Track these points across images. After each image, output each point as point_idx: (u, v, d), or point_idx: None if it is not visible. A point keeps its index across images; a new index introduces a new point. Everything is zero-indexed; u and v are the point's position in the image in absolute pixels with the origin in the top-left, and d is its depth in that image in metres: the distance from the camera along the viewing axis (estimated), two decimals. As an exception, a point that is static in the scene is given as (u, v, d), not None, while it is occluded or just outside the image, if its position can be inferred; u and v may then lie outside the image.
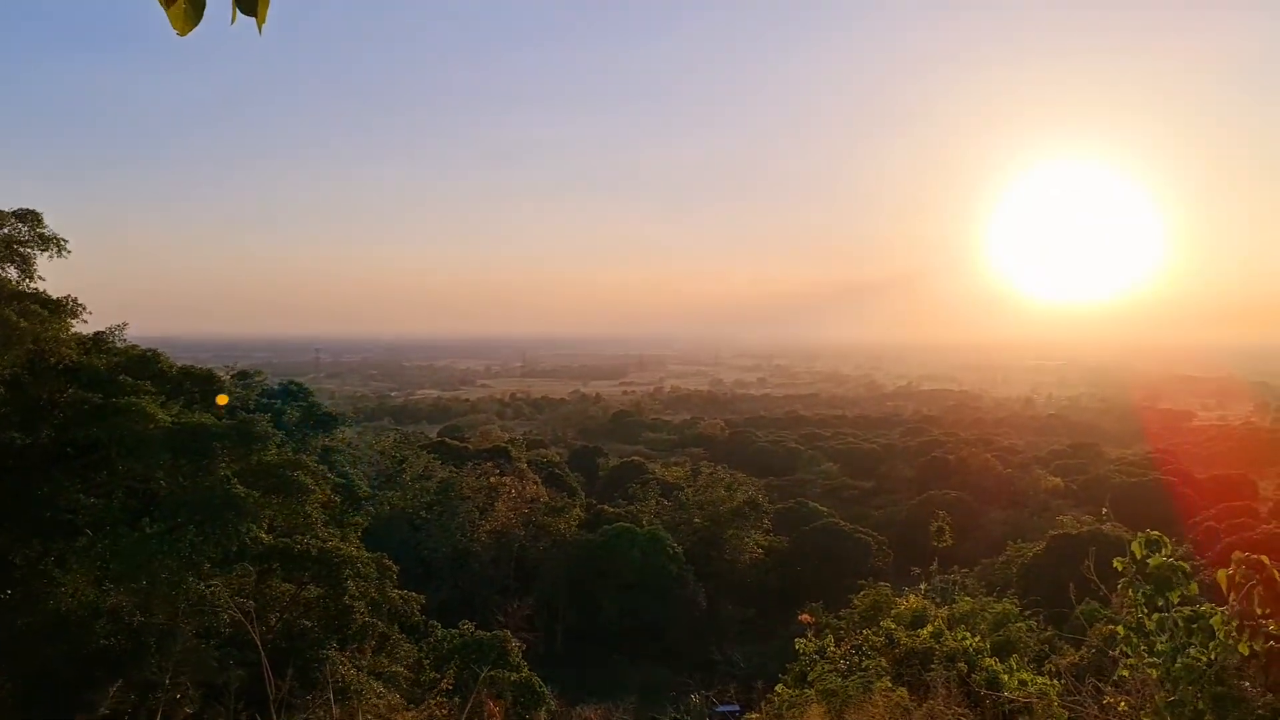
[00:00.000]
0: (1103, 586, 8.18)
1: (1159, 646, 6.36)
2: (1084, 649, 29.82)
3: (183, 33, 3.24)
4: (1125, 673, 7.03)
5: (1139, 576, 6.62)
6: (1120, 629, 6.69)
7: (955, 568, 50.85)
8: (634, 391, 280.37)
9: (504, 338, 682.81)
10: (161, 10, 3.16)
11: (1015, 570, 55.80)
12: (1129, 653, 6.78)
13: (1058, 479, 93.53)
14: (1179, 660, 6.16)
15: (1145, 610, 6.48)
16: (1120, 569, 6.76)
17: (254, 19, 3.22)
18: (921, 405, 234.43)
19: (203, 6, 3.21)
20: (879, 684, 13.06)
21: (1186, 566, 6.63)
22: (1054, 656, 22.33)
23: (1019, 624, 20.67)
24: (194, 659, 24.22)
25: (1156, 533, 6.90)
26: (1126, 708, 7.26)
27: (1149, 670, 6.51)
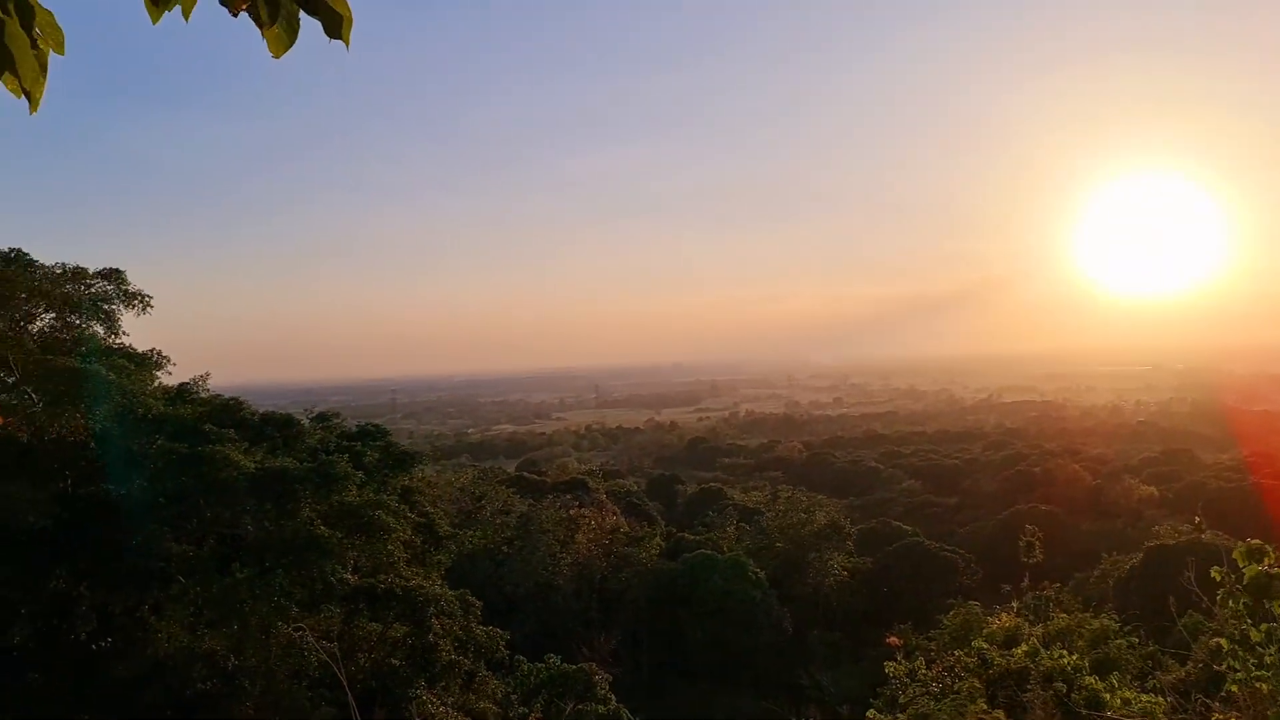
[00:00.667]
0: (1204, 598, 7.82)
1: (1268, 659, 6.04)
2: (1189, 664, 28.66)
3: (278, 55, 3.42)
4: (1234, 688, 6.70)
5: (1238, 587, 6.31)
6: (1224, 642, 6.37)
7: (1046, 583, 49.40)
8: (709, 417, 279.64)
9: (577, 370, 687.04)
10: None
11: (1111, 584, 54.00)
12: (1235, 666, 6.45)
13: (1150, 488, 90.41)
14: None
15: (1250, 621, 6.16)
16: (1219, 579, 6.45)
17: (340, 40, 3.39)
18: (1003, 418, 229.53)
19: (297, 30, 3.39)
20: (973, 706, 12.67)
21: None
22: (1158, 673, 21.51)
23: (1119, 640, 19.91)
24: (286, 700, 24.60)
25: (1258, 541, 6.57)
26: (1236, 724, 6.91)
27: (1259, 684, 6.19)
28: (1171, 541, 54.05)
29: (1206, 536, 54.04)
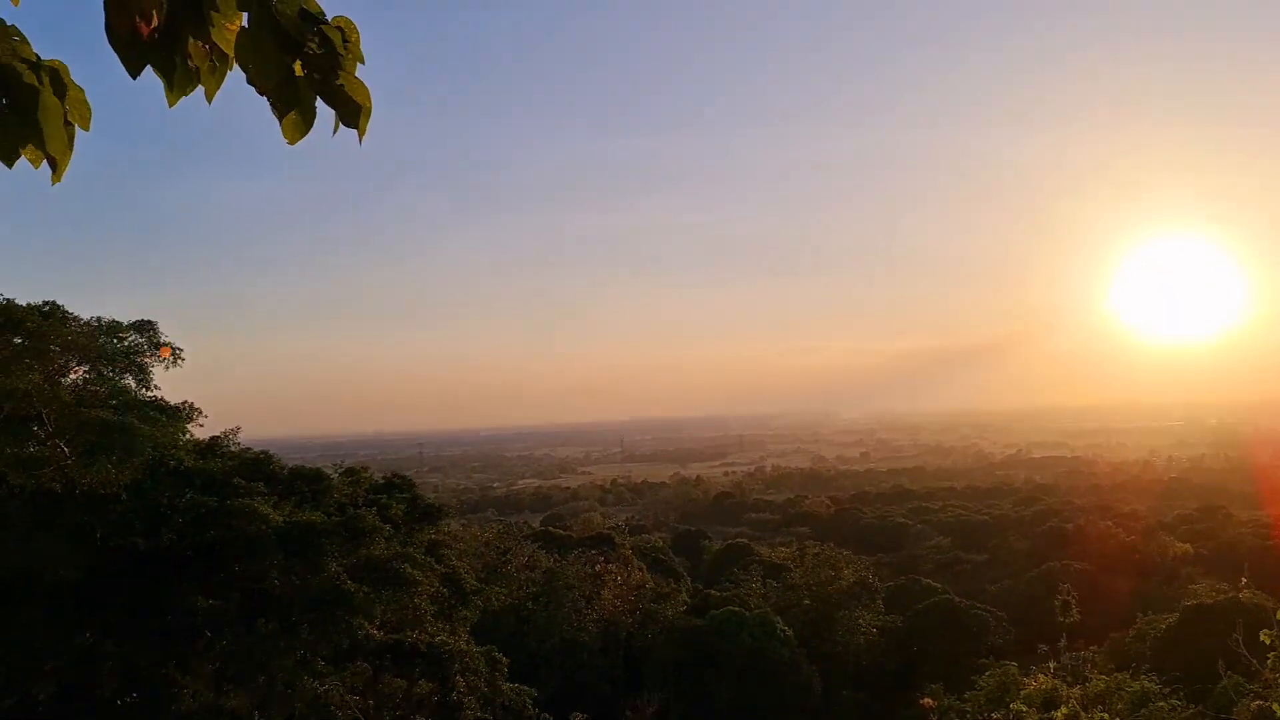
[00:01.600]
0: (1252, 659, 7.61)
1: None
2: (1231, 728, 27.89)
3: (292, 142, 3.44)
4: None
5: (1294, 649, 6.13)
6: (1275, 705, 6.18)
7: (1081, 643, 48.42)
8: (735, 472, 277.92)
9: (602, 424, 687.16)
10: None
11: (1147, 644, 52.72)
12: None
13: (1186, 545, 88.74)
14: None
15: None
16: (1269, 641, 6.28)
17: (355, 130, 3.41)
18: (1033, 473, 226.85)
19: (313, 118, 3.40)
20: (1013, 772, 12.35)
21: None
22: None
23: (1160, 703, 19.40)
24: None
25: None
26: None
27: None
28: (1210, 601, 52.80)
29: (1245, 596, 53.02)
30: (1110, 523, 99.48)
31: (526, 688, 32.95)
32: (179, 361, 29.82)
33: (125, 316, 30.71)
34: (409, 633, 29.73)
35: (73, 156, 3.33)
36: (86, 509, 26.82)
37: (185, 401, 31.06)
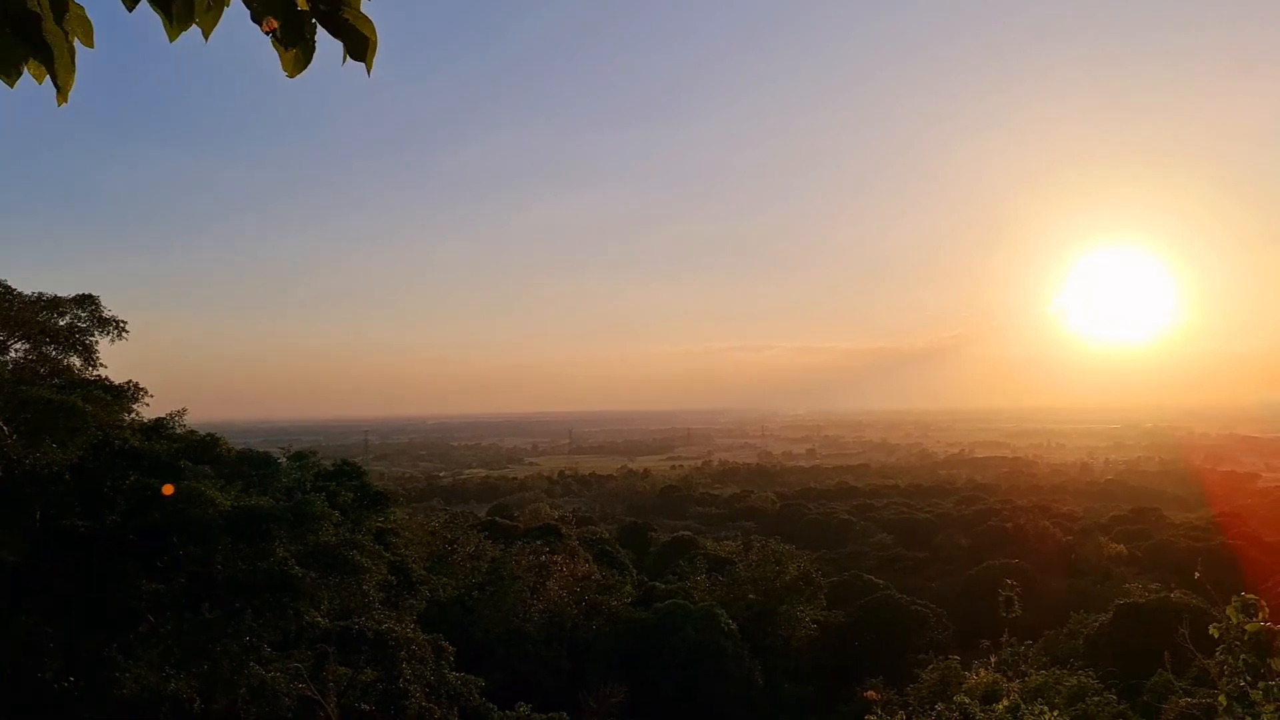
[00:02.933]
0: (1198, 654, 7.91)
1: (1265, 716, 6.13)
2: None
3: (292, 75, 3.43)
4: (1228, 745, 6.75)
5: (1238, 643, 6.40)
6: (1221, 698, 6.45)
7: (1017, 640, 49.40)
8: (682, 466, 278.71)
9: (550, 415, 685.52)
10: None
11: (1081, 641, 53.97)
12: (1231, 723, 6.53)
13: (1120, 545, 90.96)
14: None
15: (1249, 678, 6.25)
16: (1217, 635, 6.55)
17: (363, 64, 3.41)
18: (975, 473, 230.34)
19: (313, 52, 3.38)
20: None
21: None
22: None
23: (1096, 698, 19.96)
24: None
25: (1252, 596, 6.69)
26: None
27: (1255, 742, 6.26)
28: (1142, 600, 54.17)
29: (1175, 596, 54.50)
30: (1048, 522, 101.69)
31: (472, 677, 32.88)
32: (123, 335, 29.25)
33: (66, 293, 30.07)
34: (356, 620, 29.54)
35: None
36: (28, 490, 26.27)
37: (130, 381, 30.52)
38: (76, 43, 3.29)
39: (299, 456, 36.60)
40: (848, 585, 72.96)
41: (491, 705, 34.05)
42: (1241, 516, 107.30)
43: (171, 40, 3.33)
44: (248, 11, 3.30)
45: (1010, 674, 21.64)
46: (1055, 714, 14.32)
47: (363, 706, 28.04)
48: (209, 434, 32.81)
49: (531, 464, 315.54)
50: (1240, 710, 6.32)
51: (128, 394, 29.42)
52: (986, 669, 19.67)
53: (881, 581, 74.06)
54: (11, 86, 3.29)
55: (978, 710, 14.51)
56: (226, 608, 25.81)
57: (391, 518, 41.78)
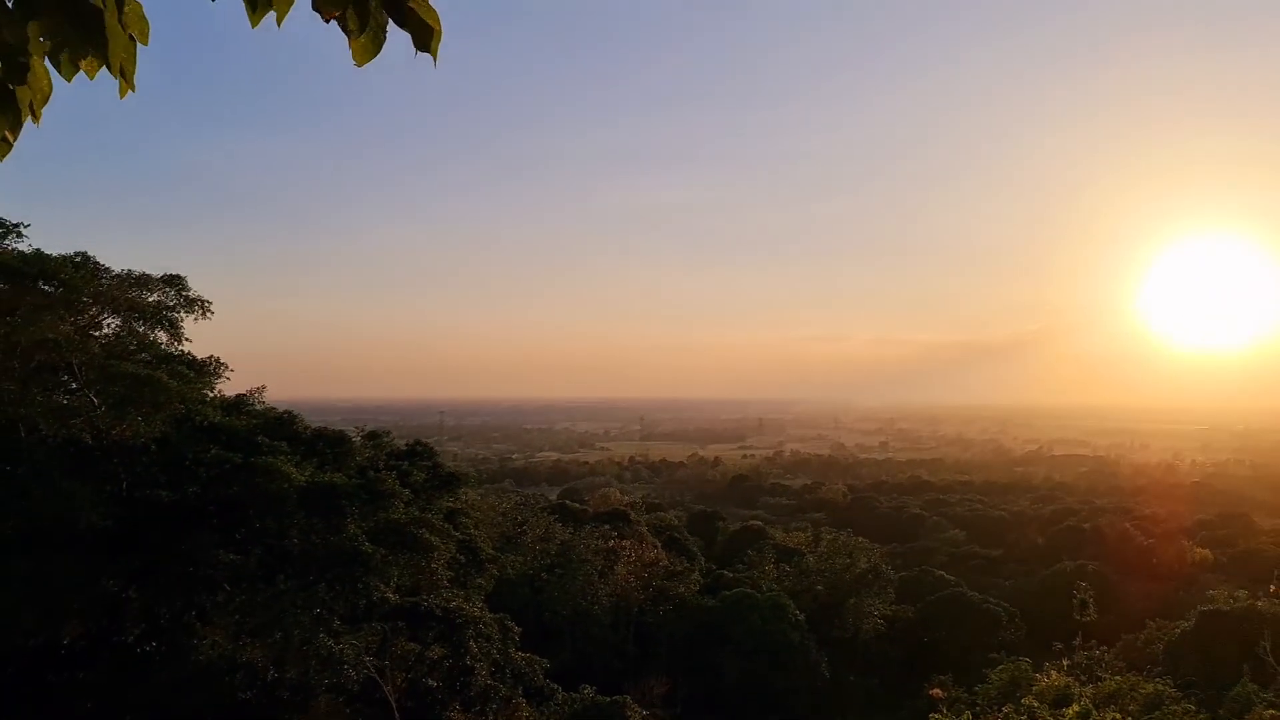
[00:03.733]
0: (1277, 666, 7.55)
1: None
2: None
3: (361, 63, 3.46)
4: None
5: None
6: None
7: (1093, 643, 48.25)
8: (753, 455, 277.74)
9: (622, 400, 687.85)
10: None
11: (1160, 648, 52.43)
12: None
13: (1205, 550, 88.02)
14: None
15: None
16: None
17: (429, 54, 3.43)
18: (1053, 471, 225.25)
19: (383, 40, 3.42)
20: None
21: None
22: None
23: (1174, 706, 19.32)
24: (325, 715, 24.69)
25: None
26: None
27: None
28: (1227, 608, 52.38)
29: (1263, 604, 52.51)
30: (1129, 524, 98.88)
31: (537, 657, 33.19)
32: (208, 314, 30.05)
33: (152, 270, 30.96)
34: (424, 597, 30.00)
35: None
36: (114, 459, 27.19)
37: (212, 357, 31.38)
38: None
39: (373, 436, 37.24)
40: (917, 580, 72.00)
41: (555, 686, 34.35)
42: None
43: (253, 26, 3.39)
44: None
45: (1083, 678, 21.09)
46: (1128, 721, 13.90)
47: (429, 682, 28.50)
48: (286, 411, 33.57)
49: (603, 449, 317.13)
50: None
51: (210, 370, 30.25)
52: (1059, 672, 19.17)
53: (952, 578, 72.94)
54: (69, 80, 3.36)
55: (1047, 714, 14.14)
56: (300, 580, 26.42)
57: (462, 498, 42.37)
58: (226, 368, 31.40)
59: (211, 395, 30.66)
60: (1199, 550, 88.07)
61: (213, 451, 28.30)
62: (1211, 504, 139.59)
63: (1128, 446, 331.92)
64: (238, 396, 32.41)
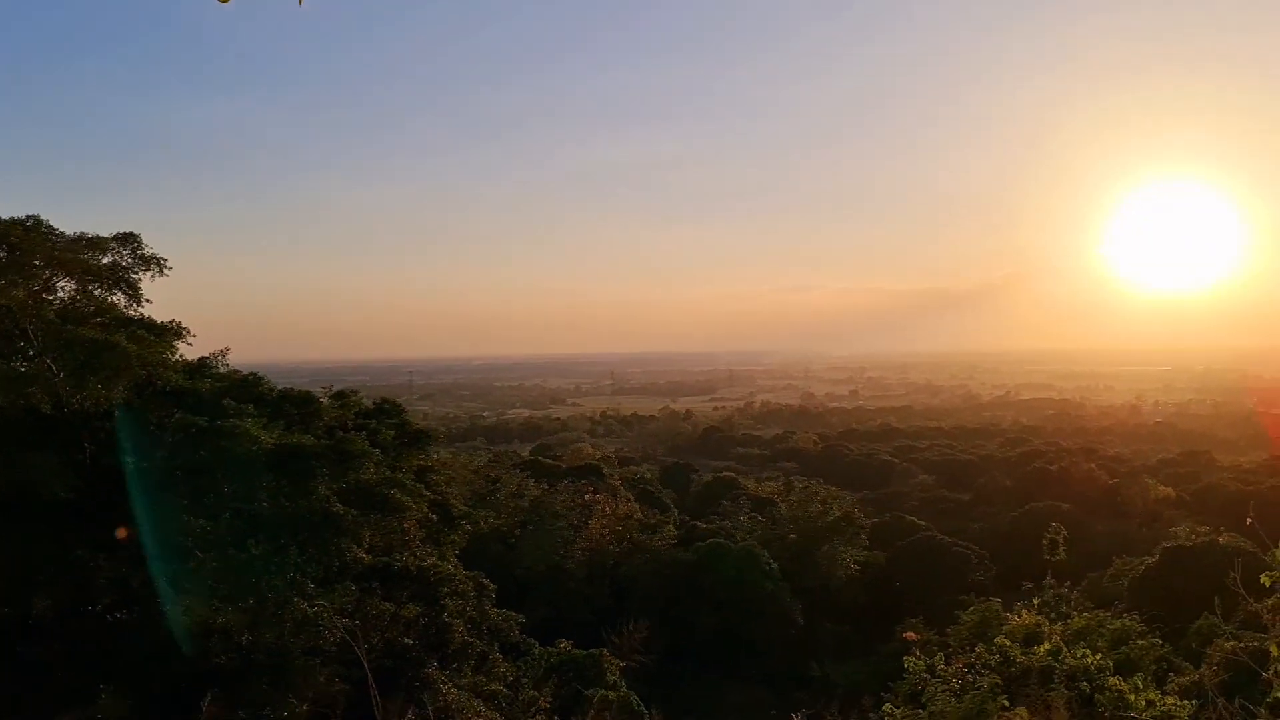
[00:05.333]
0: (1249, 599, 7.60)
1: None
2: (1204, 667, 28.37)
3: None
4: None
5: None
6: (1274, 648, 6.17)
7: (1057, 582, 49.06)
8: (724, 407, 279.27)
9: (593, 356, 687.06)
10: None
11: (1125, 584, 53.49)
12: (1282, 673, 6.25)
13: (1168, 489, 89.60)
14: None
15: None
16: (1269, 583, 6.25)
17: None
18: (1020, 415, 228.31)
19: None
20: (994, 704, 12.51)
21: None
22: (1172, 675, 21.24)
23: (1140, 641, 19.66)
24: (302, 677, 24.65)
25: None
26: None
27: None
28: (1189, 543, 53.44)
29: (1225, 539, 53.59)
30: (1094, 465, 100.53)
31: (513, 613, 33.29)
32: (165, 272, 29.45)
33: (108, 232, 30.24)
34: (398, 556, 29.94)
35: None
36: (77, 427, 26.74)
37: (173, 320, 30.77)
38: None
39: (340, 395, 36.89)
40: (889, 526, 72.88)
41: (533, 641, 34.53)
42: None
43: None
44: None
45: (1052, 617, 21.41)
46: (1098, 657, 14.10)
47: (406, 641, 28.51)
48: (251, 373, 33.09)
49: (574, 404, 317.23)
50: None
51: (171, 332, 29.69)
52: (1028, 611, 19.42)
53: (923, 523, 73.86)
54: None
55: (1018, 653, 14.32)
56: (272, 544, 26.22)
57: (433, 456, 42.18)
58: (188, 331, 30.85)
59: (173, 359, 30.12)
60: (1162, 488, 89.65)
61: (177, 416, 27.88)
62: (1174, 443, 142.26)
63: (1093, 389, 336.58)
64: (200, 360, 31.89)
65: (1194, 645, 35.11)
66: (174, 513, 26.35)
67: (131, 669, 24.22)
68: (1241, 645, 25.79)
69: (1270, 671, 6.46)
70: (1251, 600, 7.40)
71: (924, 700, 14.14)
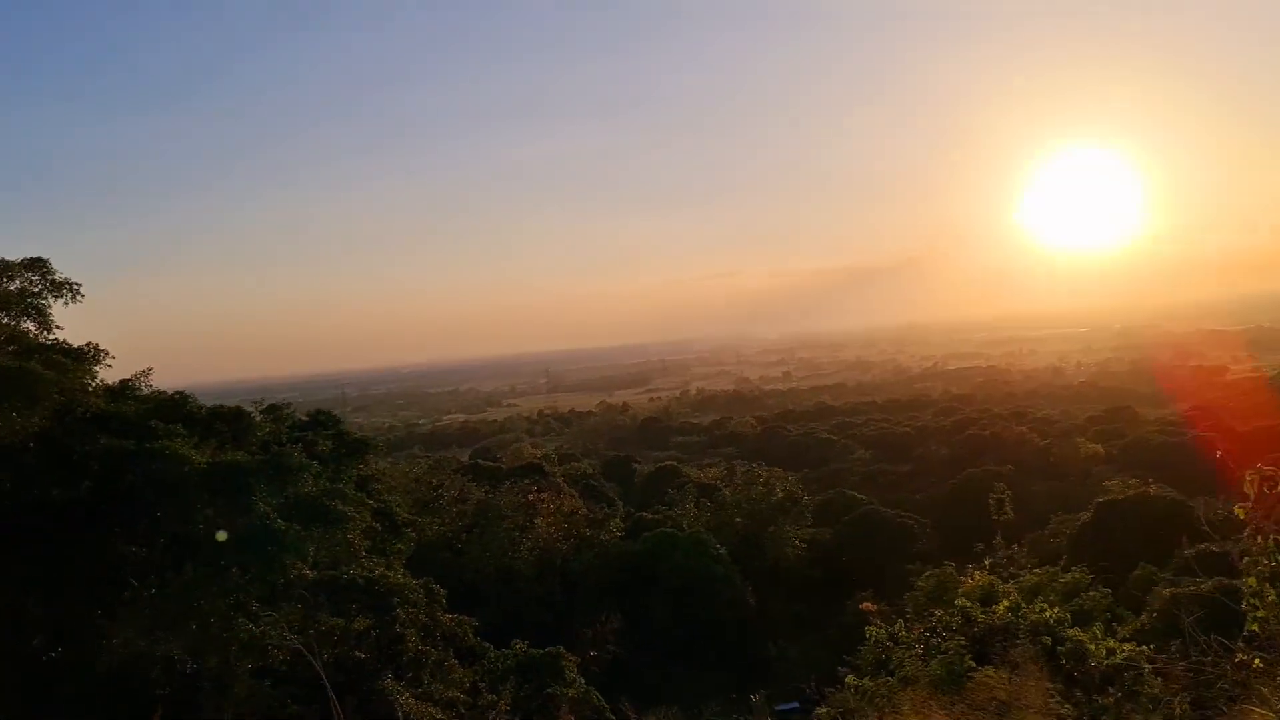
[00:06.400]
0: (1214, 534, 7.60)
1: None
2: (1145, 614, 29.18)
3: None
4: (1255, 627, 6.50)
5: (1264, 522, 6.09)
6: (1251, 580, 6.15)
7: (1002, 543, 50.02)
8: (660, 397, 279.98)
9: (525, 356, 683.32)
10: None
11: (1064, 540, 54.87)
12: (1257, 605, 6.25)
13: (1097, 445, 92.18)
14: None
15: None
16: (1243, 515, 6.23)
17: None
18: (950, 384, 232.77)
19: None
20: (963, 664, 12.54)
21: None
22: (1115, 624, 21.71)
23: (1092, 593, 20.01)
24: (252, 700, 23.92)
25: (1270, 468, 6.37)
26: (1262, 663, 6.73)
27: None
28: (1121, 496, 55.01)
29: (1153, 490, 55.35)
30: (1025, 428, 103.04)
31: (466, 617, 32.80)
32: (78, 298, 28.34)
33: (17, 257, 28.98)
34: (344, 569, 29.25)
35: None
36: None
37: (90, 343, 29.65)
38: None
39: (272, 409, 35.97)
40: (832, 503, 73.60)
41: (487, 644, 34.05)
42: (1212, 410, 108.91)
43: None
44: None
45: (1004, 576, 21.68)
46: (1056, 610, 14.24)
47: (358, 654, 27.86)
48: (178, 392, 32.08)
49: (510, 405, 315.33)
50: (1271, 591, 6.03)
51: (89, 356, 28.62)
52: (981, 572, 19.64)
53: (865, 497, 74.79)
54: None
55: (979, 612, 14.40)
56: (211, 566, 25.39)
57: (372, 465, 41.39)
58: (107, 354, 29.74)
59: (94, 384, 29.01)
60: (1091, 445, 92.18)
61: (103, 441, 26.84)
62: (1098, 401, 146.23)
63: (1017, 354, 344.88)
64: (122, 382, 30.77)
65: (1134, 593, 36.17)
66: (106, 542, 25.37)
67: (69, 708, 23.27)
68: (1179, 590, 26.53)
69: (1244, 604, 6.46)
70: (1186, 542, 7.42)
71: (892, 667, 14.16)
